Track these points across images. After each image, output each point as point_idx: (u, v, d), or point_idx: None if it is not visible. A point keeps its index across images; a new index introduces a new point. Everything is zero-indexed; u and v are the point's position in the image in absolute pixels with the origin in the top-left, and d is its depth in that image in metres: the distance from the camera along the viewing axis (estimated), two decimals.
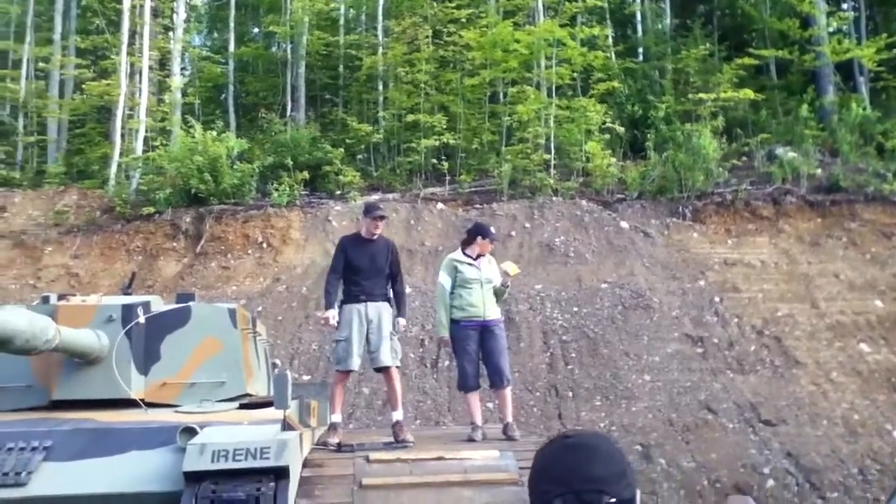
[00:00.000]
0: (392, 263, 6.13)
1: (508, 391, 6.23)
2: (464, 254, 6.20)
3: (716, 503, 7.99)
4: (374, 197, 14.97)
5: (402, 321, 6.16)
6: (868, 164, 14.64)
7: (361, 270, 5.96)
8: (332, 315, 5.95)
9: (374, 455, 5.17)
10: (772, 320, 11.58)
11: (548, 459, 1.63)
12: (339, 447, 5.58)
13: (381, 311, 5.94)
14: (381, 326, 5.89)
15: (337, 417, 5.96)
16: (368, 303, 5.91)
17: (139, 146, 16.04)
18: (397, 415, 5.90)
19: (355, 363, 5.89)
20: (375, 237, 6.06)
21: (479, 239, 6.25)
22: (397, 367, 6.06)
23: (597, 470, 1.56)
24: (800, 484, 8.50)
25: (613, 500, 1.53)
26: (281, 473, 4.38)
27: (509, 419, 5.98)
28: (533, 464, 1.67)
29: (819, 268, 12.77)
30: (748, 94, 15.81)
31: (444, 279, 6.13)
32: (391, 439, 5.75)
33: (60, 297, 5.96)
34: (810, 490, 8.36)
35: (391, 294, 6.13)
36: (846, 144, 15.02)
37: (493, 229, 6.47)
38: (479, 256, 6.16)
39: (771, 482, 8.52)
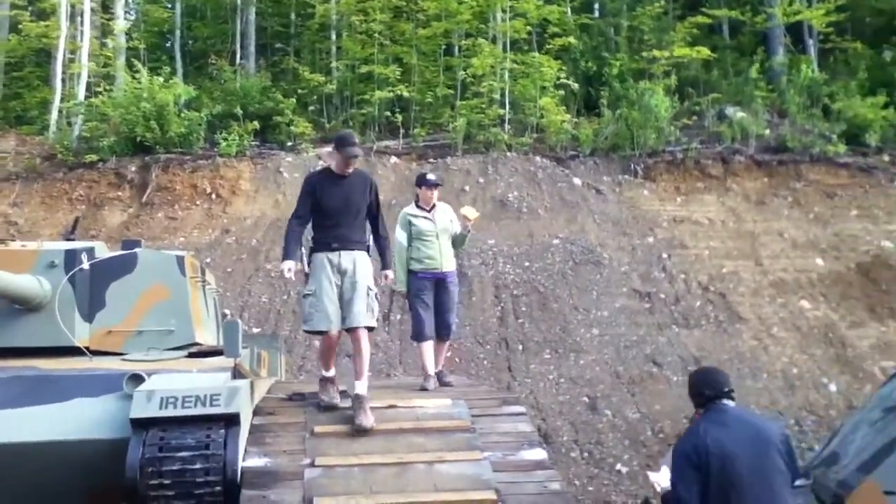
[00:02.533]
0: (372, 204, 5.27)
1: (447, 343, 6.31)
2: (417, 206, 6.15)
3: (658, 452, 8.21)
4: (325, 148, 14.74)
5: (388, 274, 5.41)
6: (815, 125, 14.93)
7: (333, 212, 5.08)
8: (289, 267, 5.05)
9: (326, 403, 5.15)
10: (717, 277, 11.84)
11: (702, 375, 4.02)
12: (334, 404, 5.09)
13: (357, 260, 5.08)
14: (357, 279, 5.03)
15: (330, 372, 5.23)
16: (342, 251, 5.06)
17: (81, 91, 15.46)
18: (360, 387, 4.93)
19: (327, 322, 4.97)
20: (349, 173, 5.16)
21: (418, 189, 6.21)
22: (370, 328, 5.15)
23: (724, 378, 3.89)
24: None
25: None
26: (231, 420, 4.34)
27: (440, 368, 6.07)
28: (694, 379, 3.97)
29: (764, 226, 13.05)
30: (703, 52, 15.91)
31: (400, 234, 6.09)
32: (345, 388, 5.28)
33: (0, 241, 5.76)
34: None
35: (371, 241, 5.34)
36: (794, 106, 15.27)
37: (431, 176, 6.34)
38: (432, 208, 6.11)
39: None
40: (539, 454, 4.58)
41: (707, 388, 3.77)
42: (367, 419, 4.74)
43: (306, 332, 5.48)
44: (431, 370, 5.93)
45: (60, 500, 4.57)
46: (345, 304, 5.02)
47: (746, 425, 3.67)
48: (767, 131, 14.99)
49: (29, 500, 4.81)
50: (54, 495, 4.51)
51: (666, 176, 14.33)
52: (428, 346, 5.99)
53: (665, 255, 12.31)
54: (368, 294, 5.07)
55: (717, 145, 14.71)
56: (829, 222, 13.17)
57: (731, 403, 3.75)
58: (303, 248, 5.20)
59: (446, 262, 6.05)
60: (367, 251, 5.24)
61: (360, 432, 4.70)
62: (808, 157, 14.34)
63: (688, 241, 12.69)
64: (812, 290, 11.66)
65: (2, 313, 5.26)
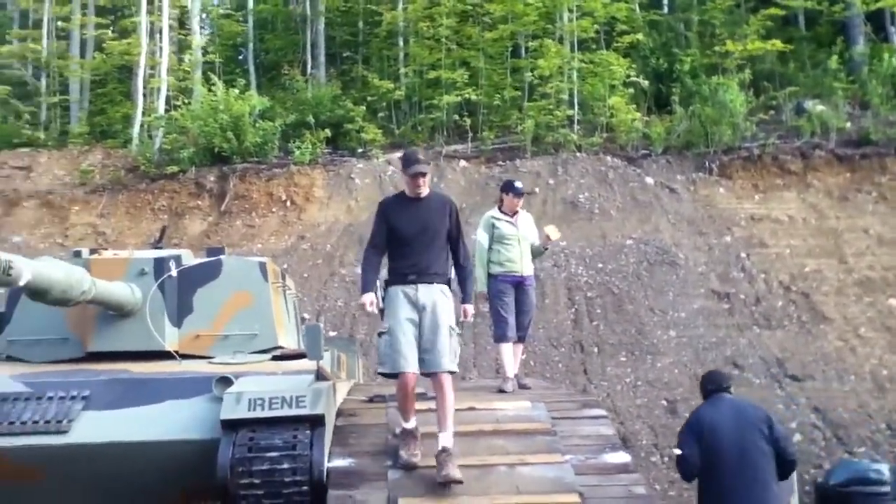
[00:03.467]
0: (452, 229, 4.70)
1: (522, 346, 6.40)
2: (500, 211, 6.21)
3: None
4: (396, 154, 14.91)
5: (468, 309, 4.84)
6: None
7: (408, 239, 4.58)
8: (370, 300, 4.61)
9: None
10: (799, 276, 11.48)
11: (708, 375, 5.10)
12: (413, 463, 4.43)
13: (437, 296, 4.54)
14: (438, 318, 4.49)
15: (410, 423, 4.57)
16: (420, 285, 4.53)
17: (161, 105, 16.04)
18: (445, 438, 4.38)
19: (403, 363, 4.43)
20: (423, 196, 4.66)
21: (503, 195, 6.27)
22: (453, 373, 4.57)
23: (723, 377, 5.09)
24: (827, 438, 8.49)
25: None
26: (316, 421, 4.43)
27: (517, 370, 6.12)
28: (701, 378, 5.10)
29: (848, 223, 12.59)
30: (776, 45, 15.47)
31: (482, 236, 6.15)
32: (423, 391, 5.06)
33: (92, 252, 6.00)
34: (837, 444, 8.36)
35: (452, 272, 4.77)
36: (877, 97, 14.68)
37: (518, 184, 6.39)
38: (515, 213, 6.16)
39: (798, 437, 8.51)
40: (622, 457, 4.53)
41: (709, 384, 4.86)
42: (455, 471, 4.22)
43: (381, 374, 4.83)
44: (511, 372, 5.94)
45: (154, 499, 4.75)
46: (424, 344, 4.48)
47: (733, 409, 4.67)
48: (849, 124, 14.45)
49: (124, 500, 5.02)
50: (148, 494, 4.68)
51: (742, 173, 13.96)
52: (507, 349, 6.00)
53: (744, 255, 12.00)
54: (451, 335, 4.52)
55: (795, 140, 14.25)
56: None
57: (727, 395, 4.78)
58: (379, 281, 4.74)
59: (526, 266, 6.10)
60: (449, 284, 4.67)
61: (446, 484, 4.21)
62: (893, 149, 13.75)
63: (767, 240, 12.34)
64: None
65: (97, 319, 5.48)
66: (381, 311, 4.62)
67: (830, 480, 4.99)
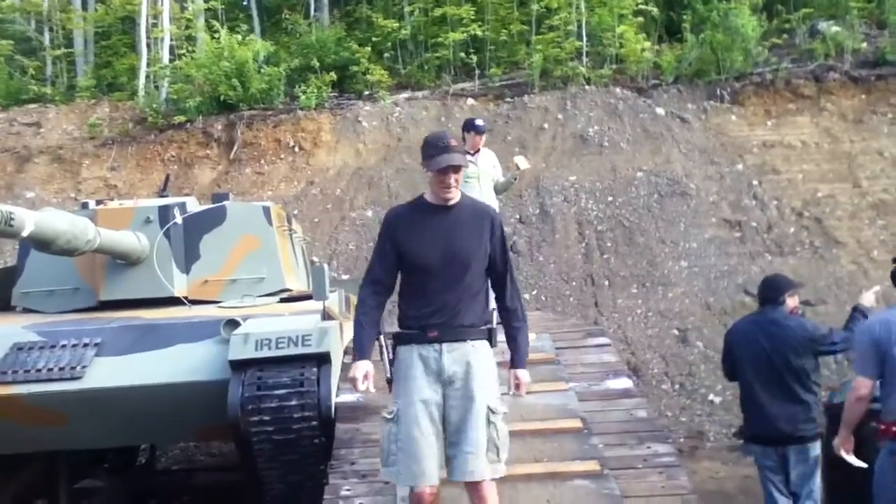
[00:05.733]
0: (496, 256, 3.23)
1: None
2: None
3: None
4: (402, 95, 14.78)
5: (521, 377, 3.30)
6: None
7: (431, 274, 3.13)
8: (362, 374, 3.20)
9: None
10: (812, 201, 11.38)
11: (761, 283, 4.83)
12: None
13: (471, 361, 3.12)
14: (473, 395, 3.08)
15: None
16: (446, 344, 3.11)
17: (165, 55, 15.93)
18: None
19: (419, 474, 3.04)
20: (451, 203, 3.19)
21: (465, 134, 6.25)
22: (495, 480, 3.15)
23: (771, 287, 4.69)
24: (838, 361, 8.53)
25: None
26: (323, 359, 4.54)
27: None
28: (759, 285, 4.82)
29: (862, 146, 12.39)
30: None
31: None
32: None
33: (98, 203, 6.09)
34: (849, 365, 8.39)
35: (493, 320, 3.40)
36: (894, 14, 14.27)
37: (480, 122, 6.37)
38: (476, 152, 6.14)
39: None
40: (625, 383, 4.61)
41: (760, 295, 4.77)
42: None
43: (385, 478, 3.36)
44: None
45: (172, 437, 4.91)
46: (450, 436, 3.07)
47: (772, 325, 4.53)
48: (864, 45, 14.08)
49: (145, 437, 5.18)
50: (166, 432, 4.84)
51: (755, 99, 13.71)
52: None
53: (756, 182, 11.88)
54: (491, 422, 3.07)
55: (809, 63, 13.93)
56: None
57: (778, 308, 4.60)
58: (382, 338, 3.56)
59: (487, 201, 6.09)
60: (490, 340, 3.22)
61: None
62: None
63: (780, 166, 12.19)
64: None
65: (108, 269, 5.59)
66: (389, 381, 3.27)
67: (835, 399, 5.01)
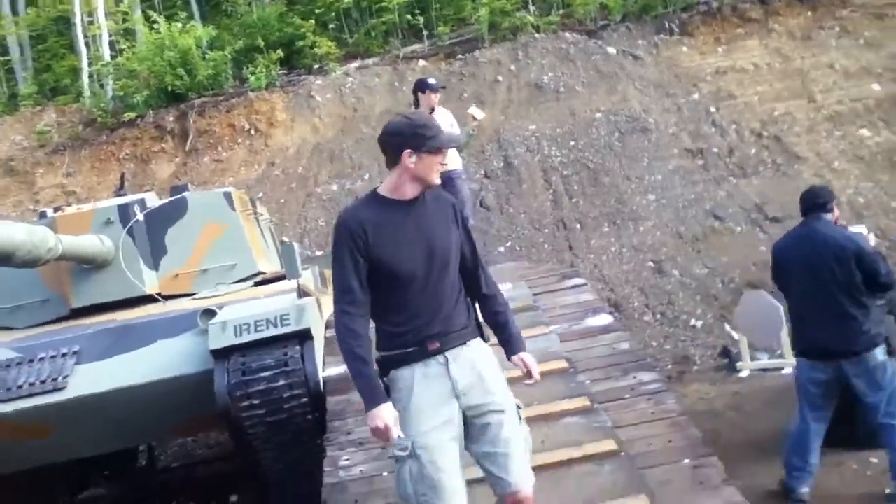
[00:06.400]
0: (465, 246, 2.87)
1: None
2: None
3: (732, 302, 8.20)
4: (353, 65, 14.59)
5: (529, 362, 2.91)
6: None
7: (414, 280, 2.71)
8: (390, 420, 2.62)
9: None
10: (769, 121, 11.47)
11: (803, 194, 4.75)
12: None
13: (478, 362, 2.78)
14: (497, 399, 2.75)
15: None
16: (449, 352, 2.74)
17: (106, 52, 15.54)
18: None
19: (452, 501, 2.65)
20: (412, 197, 2.75)
21: (419, 94, 6.21)
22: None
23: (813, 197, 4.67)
24: None
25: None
26: (304, 336, 4.53)
27: None
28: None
29: (812, 61, 12.47)
30: None
31: None
32: None
33: (56, 210, 5.99)
34: None
35: (478, 313, 2.94)
36: None
37: (432, 80, 6.34)
38: (432, 111, 6.12)
39: None
40: (604, 319, 4.66)
41: (802, 205, 4.68)
42: None
43: None
44: None
45: (165, 432, 4.90)
46: (481, 447, 2.74)
47: (816, 235, 4.42)
48: None
49: (136, 438, 5.16)
50: (156, 430, 4.83)
51: (703, 28, 13.70)
52: None
53: (713, 109, 11.95)
54: (518, 416, 2.79)
55: None
56: (881, 45, 12.47)
57: (822, 216, 4.52)
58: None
59: (451, 161, 6.07)
60: (482, 334, 2.89)
61: None
62: None
63: (735, 91, 12.25)
64: (871, 116, 11.20)
65: (74, 275, 5.51)
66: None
67: None
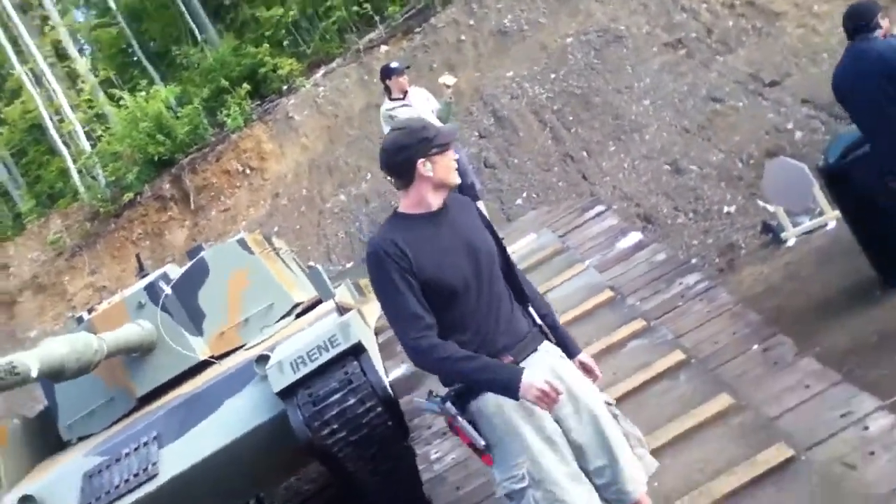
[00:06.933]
0: (498, 247, 2.64)
1: (481, 203, 6.18)
2: (391, 100, 6.16)
3: (756, 177, 8.09)
4: (319, 73, 14.57)
5: (588, 361, 2.66)
6: None
7: (470, 291, 2.47)
8: (535, 381, 2.31)
9: None
10: None
11: (845, 12, 4.44)
12: None
13: (556, 366, 2.55)
14: (586, 402, 2.51)
15: None
16: (524, 362, 2.49)
17: (85, 144, 15.73)
18: None
19: None
20: (438, 208, 2.53)
21: (387, 82, 6.20)
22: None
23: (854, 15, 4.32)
24: (824, 122, 8.53)
25: None
26: (357, 350, 4.58)
27: None
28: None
29: None
30: None
31: (388, 131, 6.13)
32: None
33: (90, 311, 6.10)
34: (836, 122, 8.39)
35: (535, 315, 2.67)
36: None
37: (395, 64, 6.33)
38: (405, 93, 6.09)
39: (798, 134, 8.57)
40: (634, 237, 4.65)
41: (846, 29, 4.41)
42: None
43: None
44: None
45: (250, 489, 5.01)
46: (590, 460, 2.47)
47: (861, 54, 4.17)
48: None
49: (227, 500, 5.30)
50: (243, 487, 4.93)
51: None
52: None
53: None
54: (617, 417, 2.58)
55: None
56: None
57: (867, 37, 4.18)
58: (433, 400, 2.47)
59: None
60: (547, 335, 2.66)
61: None
62: None
63: None
64: None
65: (129, 366, 5.62)
66: (480, 450, 2.44)
67: (829, 159, 4.95)
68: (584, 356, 2.65)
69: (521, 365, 2.42)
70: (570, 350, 2.64)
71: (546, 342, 2.58)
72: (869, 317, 4.53)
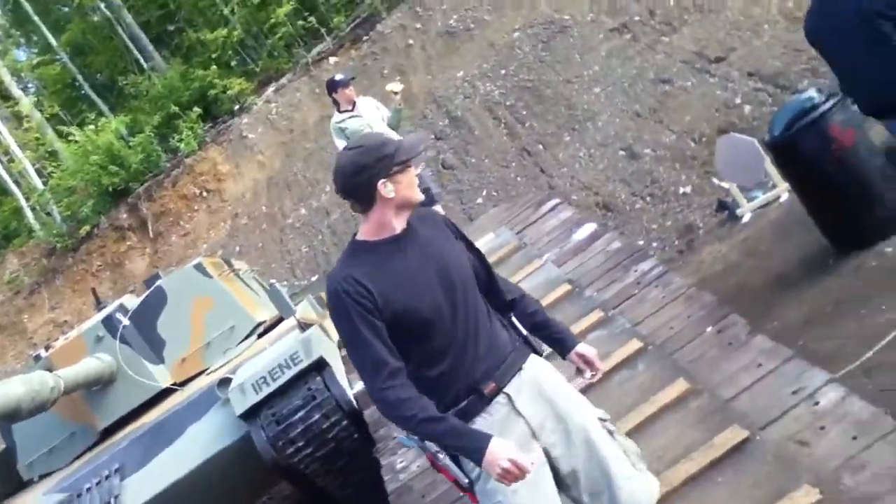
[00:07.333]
0: (473, 257, 2.43)
1: (439, 207, 6.25)
2: (340, 112, 6.14)
3: (709, 155, 8.13)
4: (270, 90, 14.45)
5: (588, 354, 2.46)
6: None
7: (443, 318, 2.27)
8: (504, 452, 2.13)
9: None
10: None
11: None
12: None
13: (542, 384, 2.36)
14: (577, 422, 2.32)
15: None
16: (508, 387, 2.31)
17: (37, 181, 15.45)
18: None
19: None
20: (401, 231, 2.31)
21: (333, 95, 6.18)
22: None
23: None
24: (771, 94, 8.59)
25: None
26: (320, 365, 4.52)
27: None
28: None
29: None
30: None
31: (340, 144, 6.12)
32: None
33: (47, 348, 5.96)
34: (782, 93, 8.46)
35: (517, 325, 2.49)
36: None
37: (339, 76, 6.32)
38: (354, 104, 6.07)
39: (747, 108, 8.63)
40: (588, 228, 4.64)
41: None
42: None
43: None
44: None
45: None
46: (586, 485, 2.29)
47: (825, 2, 3.75)
48: None
49: None
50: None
51: None
52: None
53: None
54: (610, 431, 2.38)
55: None
56: None
57: None
58: (412, 437, 2.36)
59: None
60: (533, 348, 2.46)
61: None
62: None
63: None
64: None
65: (89, 400, 5.51)
66: (465, 486, 2.32)
67: (775, 132, 4.94)
68: (582, 347, 2.46)
69: (507, 391, 2.27)
70: (566, 344, 2.46)
71: (531, 357, 2.38)
72: (823, 286, 4.52)
